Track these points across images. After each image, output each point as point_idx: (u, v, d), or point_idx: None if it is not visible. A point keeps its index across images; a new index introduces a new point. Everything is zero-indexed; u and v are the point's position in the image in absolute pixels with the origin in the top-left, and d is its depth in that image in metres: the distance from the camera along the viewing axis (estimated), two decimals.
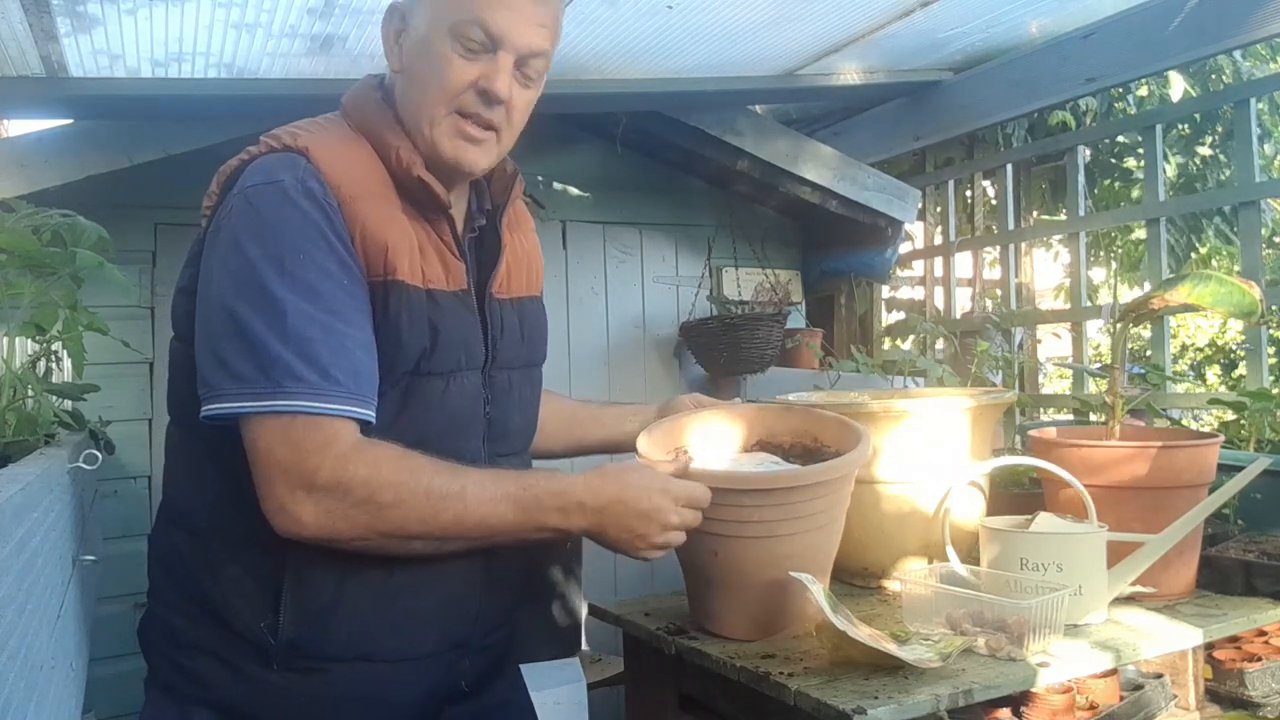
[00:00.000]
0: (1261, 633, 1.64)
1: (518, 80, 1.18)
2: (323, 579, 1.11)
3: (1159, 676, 1.50)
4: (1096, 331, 3.39)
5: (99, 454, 1.30)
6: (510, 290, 1.30)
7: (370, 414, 1.08)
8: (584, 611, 2.43)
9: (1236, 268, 3.50)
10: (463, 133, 1.16)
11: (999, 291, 3.75)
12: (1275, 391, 2.06)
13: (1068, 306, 3.63)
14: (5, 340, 1.35)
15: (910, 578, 1.49)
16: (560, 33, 1.24)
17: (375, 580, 1.13)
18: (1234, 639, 1.61)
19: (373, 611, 1.13)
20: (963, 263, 3.74)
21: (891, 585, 1.69)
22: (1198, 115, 4.15)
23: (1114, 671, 1.44)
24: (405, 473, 1.06)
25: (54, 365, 1.56)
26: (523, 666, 1.43)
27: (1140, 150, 3.90)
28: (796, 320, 3.54)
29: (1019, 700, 1.35)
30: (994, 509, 1.73)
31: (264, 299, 1.04)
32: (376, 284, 1.11)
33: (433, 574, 1.16)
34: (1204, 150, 4.28)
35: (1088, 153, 3.83)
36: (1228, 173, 4.19)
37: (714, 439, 1.54)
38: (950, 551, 1.59)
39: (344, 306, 1.08)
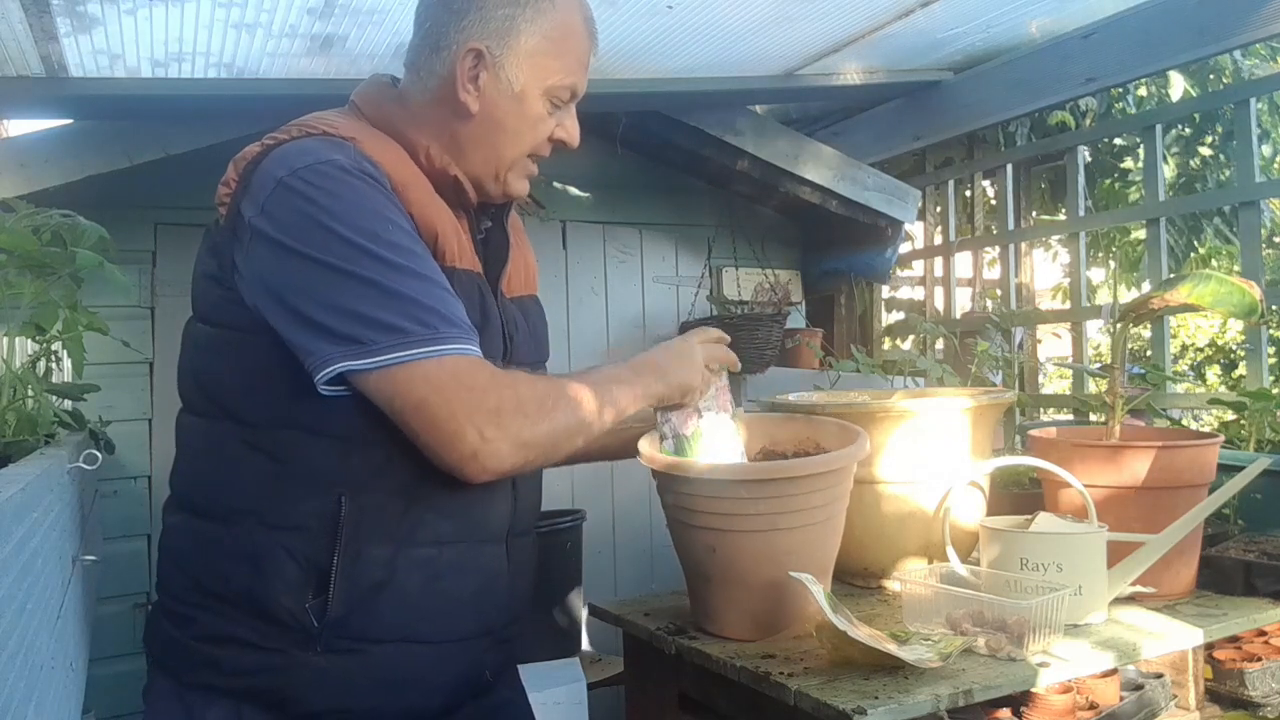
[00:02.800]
0: (1261, 633, 1.64)
1: None
2: (376, 558, 1.11)
3: (1159, 676, 1.50)
4: (1096, 331, 3.39)
5: (99, 454, 1.30)
6: (512, 289, 1.32)
7: None
8: (584, 611, 2.43)
9: (1236, 268, 3.51)
10: (529, 173, 1.27)
11: (999, 291, 3.74)
12: (1275, 391, 2.06)
13: (1067, 306, 3.63)
14: (5, 340, 1.35)
15: (910, 578, 1.49)
16: None
17: (425, 559, 1.14)
18: (1234, 639, 1.61)
19: (420, 592, 1.14)
20: (963, 263, 3.74)
21: (891, 585, 1.69)
22: (1197, 115, 4.15)
23: (1114, 671, 1.44)
24: (542, 380, 1.16)
25: (54, 365, 1.56)
26: (523, 667, 1.43)
27: (1139, 150, 3.90)
28: (796, 320, 3.54)
29: (1019, 700, 1.35)
30: (994, 509, 1.73)
31: (378, 264, 1.04)
32: None
33: (475, 555, 1.19)
34: (1204, 150, 4.28)
35: (1087, 153, 3.82)
36: (1227, 173, 4.19)
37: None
38: (950, 551, 1.59)
39: (436, 270, 1.11)
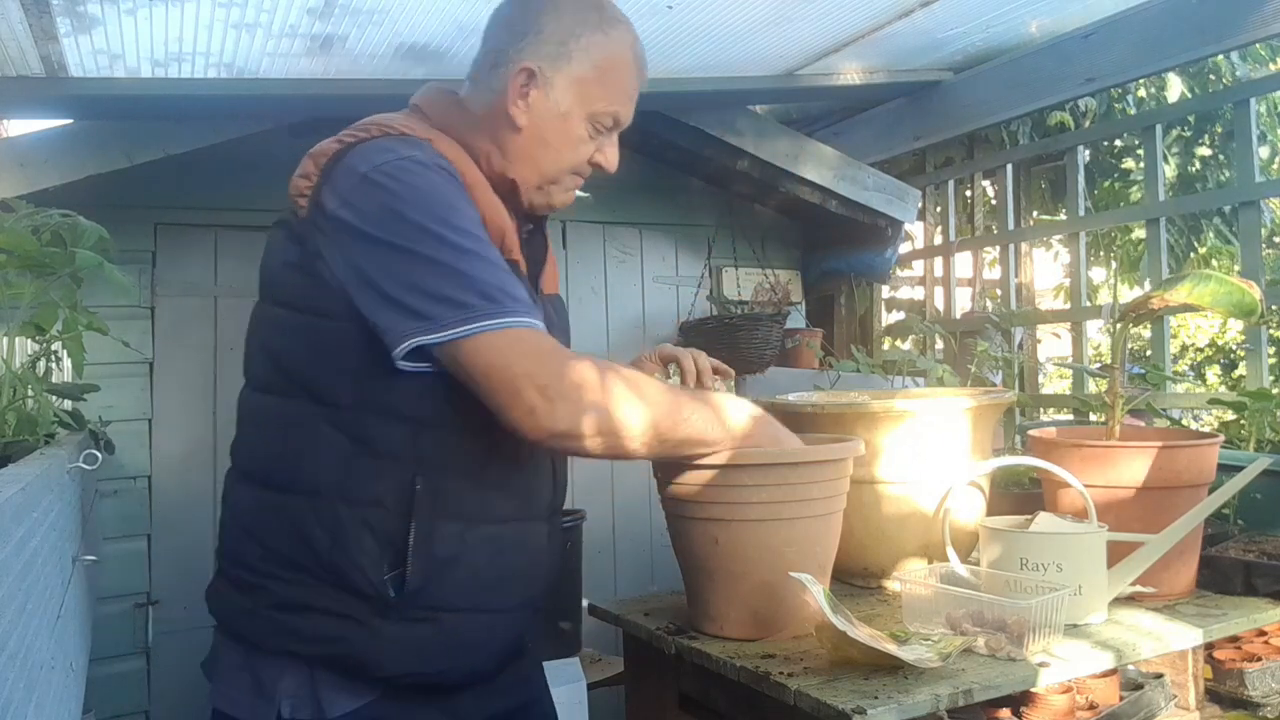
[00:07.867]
0: (1261, 633, 1.64)
1: None
2: (448, 532, 1.18)
3: (1159, 676, 1.50)
4: (1096, 331, 3.39)
5: (99, 454, 1.30)
6: (546, 288, 1.41)
7: None
8: (584, 611, 2.43)
9: (1236, 268, 3.50)
10: (572, 187, 1.35)
11: (999, 291, 3.74)
12: (1275, 391, 2.06)
13: (1068, 306, 3.63)
14: (5, 340, 1.35)
15: (910, 578, 1.49)
16: None
17: (490, 535, 1.22)
18: (1234, 639, 1.61)
19: (486, 565, 1.22)
20: (963, 263, 3.74)
21: (891, 585, 1.69)
22: (1193, 117, 4.15)
23: (1114, 671, 1.44)
24: (611, 368, 1.21)
25: (54, 365, 1.57)
26: None
27: (1139, 151, 3.89)
28: (796, 320, 3.54)
29: (1019, 700, 1.36)
30: (994, 509, 1.73)
31: (449, 248, 1.13)
32: None
33: (528, 532, 1.28)
34: (1203, 151, 4.28)
35: (1087, 153, 3.82)
36: (1226, 174, 4.19)
37: None
38: (950, 551, 1.59)
39: (500, 257, 1.19)
